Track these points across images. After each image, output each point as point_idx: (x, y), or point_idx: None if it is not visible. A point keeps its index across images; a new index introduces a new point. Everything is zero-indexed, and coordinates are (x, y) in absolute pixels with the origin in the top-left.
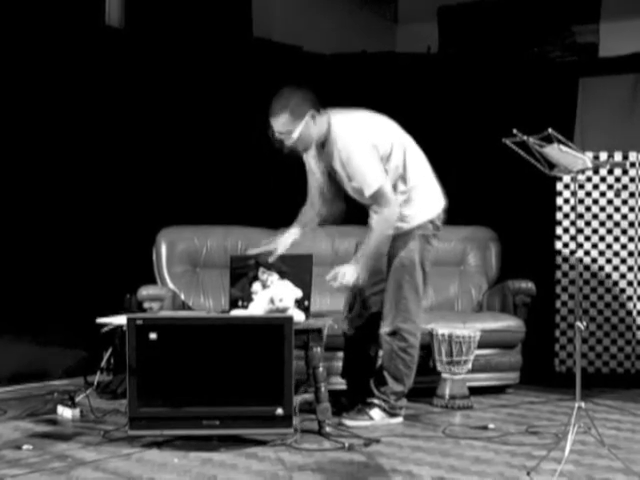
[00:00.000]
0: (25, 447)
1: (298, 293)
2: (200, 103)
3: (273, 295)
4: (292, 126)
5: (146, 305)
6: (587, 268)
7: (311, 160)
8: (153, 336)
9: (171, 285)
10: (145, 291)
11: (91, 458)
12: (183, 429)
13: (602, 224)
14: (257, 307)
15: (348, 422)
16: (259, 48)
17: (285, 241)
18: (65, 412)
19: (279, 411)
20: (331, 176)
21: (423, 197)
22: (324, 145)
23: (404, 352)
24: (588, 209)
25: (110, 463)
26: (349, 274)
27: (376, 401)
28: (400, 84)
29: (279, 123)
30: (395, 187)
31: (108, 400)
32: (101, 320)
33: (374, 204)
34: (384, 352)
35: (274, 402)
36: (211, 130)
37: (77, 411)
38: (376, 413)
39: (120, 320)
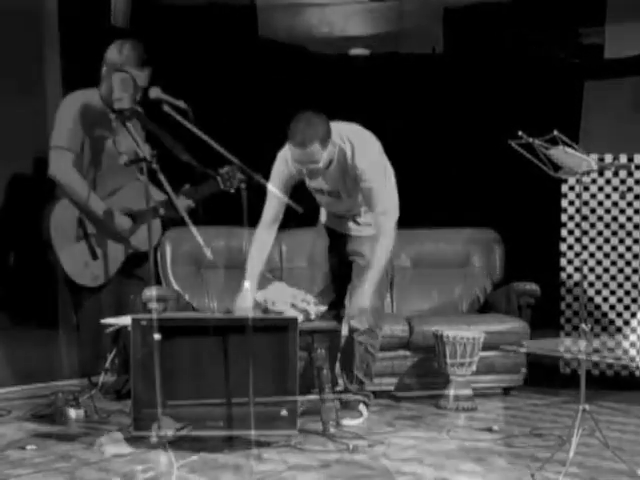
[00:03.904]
0: (29, 447)
1: (298, 296)
2: (204, 104)
3: (265, 299)
4: (320, 155)
5: (150, 306)
6: (592, 270)
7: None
8: (157, 337)
9: (175, 286)
10: (149, 292)
11: (95, 458)
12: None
13: (607, 226)
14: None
15: (345, 422)
16: (264, 48)
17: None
18: (69, 412)
19: (283, 412)
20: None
21: None
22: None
23: (374, 348)
24: (593, 211)
25: (114, 464)
26: (365, 302)
27: (360, 398)
28: (405, 85)
29: (309, 153)
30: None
31: (112, 401)
32: (106, 321)
33: (378, 226)
34: (356, 352)
35: (278, 403)
36: (214, 131)
37: (81, 411)
38: (362, 408)
39: (124, 321)
